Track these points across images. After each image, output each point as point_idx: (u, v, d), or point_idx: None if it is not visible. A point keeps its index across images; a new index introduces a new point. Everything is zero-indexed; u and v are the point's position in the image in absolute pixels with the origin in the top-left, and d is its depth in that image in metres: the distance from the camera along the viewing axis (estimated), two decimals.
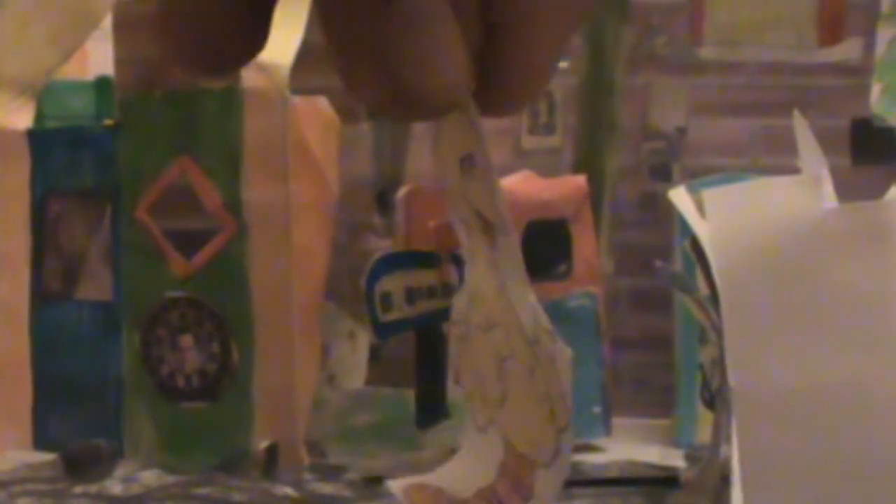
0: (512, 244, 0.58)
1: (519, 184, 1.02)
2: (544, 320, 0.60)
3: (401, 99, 0.47)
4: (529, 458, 0.64)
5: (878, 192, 0.73)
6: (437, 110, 0.49)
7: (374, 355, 1.07)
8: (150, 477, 0.93)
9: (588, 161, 1.20)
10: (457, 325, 0.63)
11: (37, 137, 1.04)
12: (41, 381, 1.02)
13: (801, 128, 0.75)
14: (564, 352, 0.60)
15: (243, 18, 0.40)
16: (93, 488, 0.91)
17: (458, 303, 0.63)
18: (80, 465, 0.94)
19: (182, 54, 0.41)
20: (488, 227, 0.59)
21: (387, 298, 0.97)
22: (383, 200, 1.09)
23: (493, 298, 0.62)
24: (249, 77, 0.95)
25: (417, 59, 0.44)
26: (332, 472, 0.93)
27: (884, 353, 0.63)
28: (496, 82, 0.46)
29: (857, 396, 0.63)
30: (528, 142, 1.23)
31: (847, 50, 1.24)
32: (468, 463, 0.66)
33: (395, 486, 0.67)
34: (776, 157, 1.08)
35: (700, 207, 0.72)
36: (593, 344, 1.06)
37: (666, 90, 1.24)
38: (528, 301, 0.60)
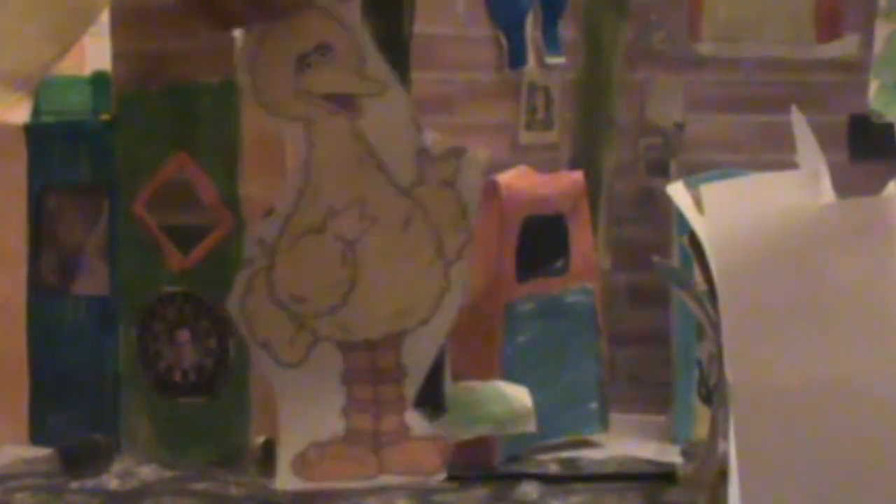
0: (394, 95, 0.62)
1: (516, 179, 1.01)
2: (443, 145, 0.63)
3: (260, 5, 0.54)
4: (389, 339, 0.65)
5: (876, 188, 0.72)
6: (290, 8, 0.56)
7: None
8: (147, 472, 0.93)
9: (585, 157, 1.19)
10: (250, 264, 0.63)
11: (34, 132, 1.03)
12: (38, 376, 1.02)
13: (800, 124, 0.75)
14: (473, 161, 0.63)
15: None
16: (90, 483, 0.91)
17: (262, 231, 0.64)
18: (77, 460, 0.94)
19: None
20: (346, 102, 0.63)
21: None
22: None
23: (343, 179, 0.64)
24: None
25: None
26: None
27: (881, 348, 0.63)
28: None
29: (854, 391, 0.63)
30: (526, 137, 1.23)
31: (845, 46, 1.23)
32: (301, 404, 0.66)
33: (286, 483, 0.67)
34: (774, 153, 1.07)
35: (698, 203, 0.72)
36: (590, 339, 1.06)
37: (664, 86, 1.24)
38: (411, 146, 0.63)
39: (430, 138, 0.65)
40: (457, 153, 0.65)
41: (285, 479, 0.71)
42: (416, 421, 0.67)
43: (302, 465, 0.68)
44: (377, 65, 0.63)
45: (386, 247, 0.66)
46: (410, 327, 0.66)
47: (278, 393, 0.68)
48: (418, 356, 0.67)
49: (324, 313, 0.66)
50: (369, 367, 0.67)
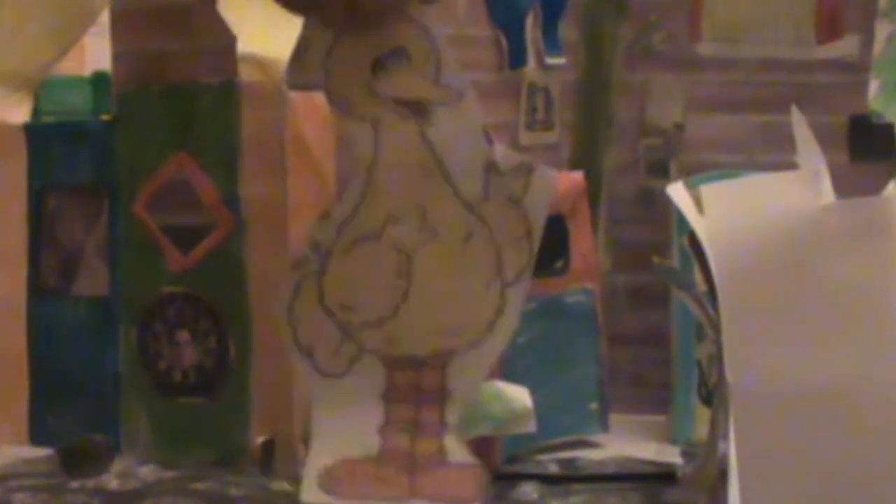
0: (468, 105, 0.61)
1: None
2: (513, 160, 0.61)
3: (352, 11, 0.55)
4: (436, 358, 0.63)
5: (876, 188, 0.73)
6: (383, 19, 0.57)
7: None
8: (147, 472, 0.93)
9: (585, 157, 1.19)
10: (301, 266, 0.62)
11: (34, 132, 1.04)
12: (38, 376, 1.02)
13: (800, 124, 0.75)
14: (543, 177, 0.62)
15: None
16: (90, 483, 0.91)
17: (318, 233, 0.63)
18: (77, 460, 0.94)
19: None
20: (418, 108, 0.61)
21: None
22: None
23: (406, 186, 0.62)
24: (246, 72, 0.94)
25: None
26: None
27: (880, 348, 0.63)
28: None
29: (854, 391, 0.63)
30: (526, 138, 1.23)
31: (845, 47, 1.23)
32: (340, 417, 0.65)
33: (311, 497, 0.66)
34: (774, 154, 1.08)
35: (698, 203, 0.72)
36: (590, 340, 1.06)
37: (664, 86, 1.24)
38: (480, 159, 0.61)
39: (500, 152, 0.63)
40: (527, 169, 0.63)
41: (310, 493, 0.69)
42: (454, 446, 0.65)
43: (329, 480, 0.67)
44: (453, 73, 0.62)
45: (444, 260, 0.64)
46: (459, 348, 0.64)
47: (316, 403, 0.67)
48: (464, 380, 0.65)
49: (372, 324, 0.65)
50: (412, 386, 0.66)
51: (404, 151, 0.63)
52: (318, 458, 0.66)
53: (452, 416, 0.65)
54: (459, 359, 0.64)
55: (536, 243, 0.63)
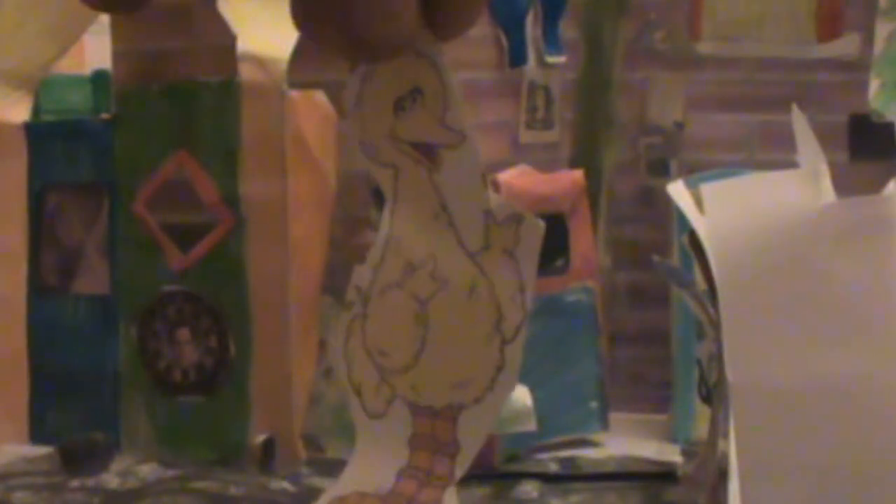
0: (469, 148, 0.59)
1: (516, 179, 1.01)
2: (506, 209, 0.60)
3: (357, 45, 0.52)
4: (449, 410, 0.63)
5: (877, 187, 0.73)
6: (390, 54, 0.53)
7: None
8: (147, 471, 0.93)
9: (585, 156, 1.19)
10: (350, 306, 0.63)
11: (34, 131, 1.04)
12: (38, 375, 1.02)
13: (800, 123, 0.75)
14: (533, 228, 0.60)
15: None
16: (90, 482, 0.91)
17: (357, 279, 0.63)
18: (77, 458, 0.94)
19: None
20: (428, 151, 0.60)
21: None
22: (380, 195, 1.09)
23: (420, 233, 0.61)
24: (246, 71, 0.94)
25: (372, 8, 0.49)
26: (329, 467, 0.93)
27: (882, 348, 0.63)
28: (440, 14, 0.52)
29: (856, 391, 0.63)
30: (526, 136, 1.23)
31: (845, 45, 1.23)
32: (372, 455, 0.65)
33: None
34: (774, 153, 1.07)
35: (698, 202, 0.72)
36: (590, 339, 1.06)
37: (664, 85, 1.24)
38: (479, 206, 0.60)
39: (495, 199, 0.61)
40: (517, 219, 0.62)
41: None
42: (452, 500, 0.65)
43: None
44: (457, 114, 0.60)
45: (452, 312, 0.63)
46: (467, 403, 0.64)
47: (360, 441, 0.67)
48: (471, 435, 0.65)
49: (399, 371, 0.64)
50: (430, 435, 0.65)
51: (418, 197, 0.61)
52: (339, 487, 0.66)
53: (459, 470, 0.65)
54: (466, 414, 0.64)
55: (529, 301, 0.62)
